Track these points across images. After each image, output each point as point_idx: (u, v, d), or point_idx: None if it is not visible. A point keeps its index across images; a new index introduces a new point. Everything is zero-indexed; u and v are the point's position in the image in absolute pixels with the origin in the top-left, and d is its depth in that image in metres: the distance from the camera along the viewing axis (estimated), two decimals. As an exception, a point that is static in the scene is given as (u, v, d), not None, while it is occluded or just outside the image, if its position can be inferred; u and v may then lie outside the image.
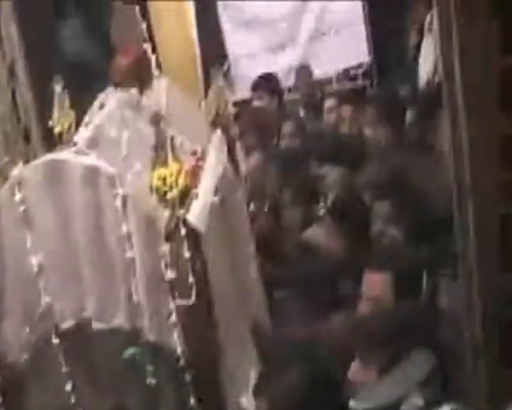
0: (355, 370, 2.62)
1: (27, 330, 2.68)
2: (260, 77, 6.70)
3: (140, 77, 3.33)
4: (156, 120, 2.63)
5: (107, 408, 2.71)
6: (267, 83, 6.61)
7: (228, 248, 3.01)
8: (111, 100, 3.21)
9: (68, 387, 2.69)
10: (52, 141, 3.26)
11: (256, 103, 6.48)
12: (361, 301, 3.21)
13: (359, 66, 7.57)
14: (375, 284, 3.14)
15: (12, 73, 4.65)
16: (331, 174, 4.84)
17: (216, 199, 2.86)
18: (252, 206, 4.61)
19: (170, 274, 2.55)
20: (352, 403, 2.49)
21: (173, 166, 2.57)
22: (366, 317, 3.06)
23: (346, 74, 7.62)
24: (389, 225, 3.88)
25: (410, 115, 5.24)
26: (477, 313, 2.54)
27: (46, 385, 2.74)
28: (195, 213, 2.63)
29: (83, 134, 3.02)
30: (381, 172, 4.67)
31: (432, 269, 3.20)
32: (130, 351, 2.61)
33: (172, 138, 2.65)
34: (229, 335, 2.76)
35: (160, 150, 2.61)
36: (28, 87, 4.56)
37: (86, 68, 6.03)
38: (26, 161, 2.79)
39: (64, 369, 2.67)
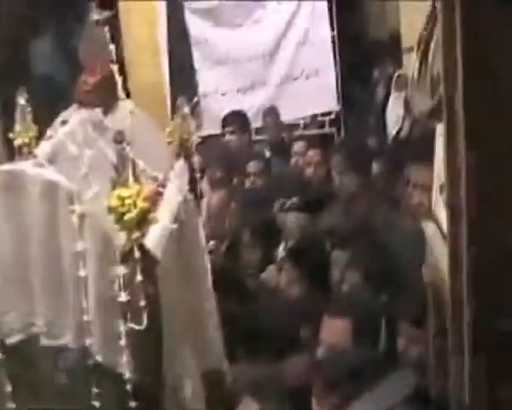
0: (314, 405, 2.62)
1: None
2: (231, 113, 6.74)
3: (105, 97, 3.31)
4: (119, 138, 2.59)
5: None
6: (238, 119, 6.66)
7: (183, 277, 2.98)
8: (74, 117, 3.19)
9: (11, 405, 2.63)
10: (14, 153, 3.24)
11: (226, 138, 6.51)
12: (319, 346, 3.20)
13: (328, 113, 7.65)
14: (334, 330, 3.14)
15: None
16: (292, 217, 4.85)
17: (174, 227, 2.84)
18: (211, 243, 4.61)
19: (122, 297, 2.50)
20: None
21: (133, 188, 2.52)
22: (322, 361, 3.03)
23: (314, 120, 7.69)
24: (348, 272, 3.87)
25: (375, 166, 5.26)
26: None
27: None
28: (152, 238, 2.60)
29: (43, 148, 3.00)
30: (343, 220, 4.69)
31: (392, 316, 3.21)
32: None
33: (134, 159, 2.61)
34: (177, 365, 2.72)
35: (121, 170, 2.57)
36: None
37: (52, 84, 6.02)
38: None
39: (7, 386, 2.62)
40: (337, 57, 7.69)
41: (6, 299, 2.60)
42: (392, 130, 6.76)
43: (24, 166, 2.69)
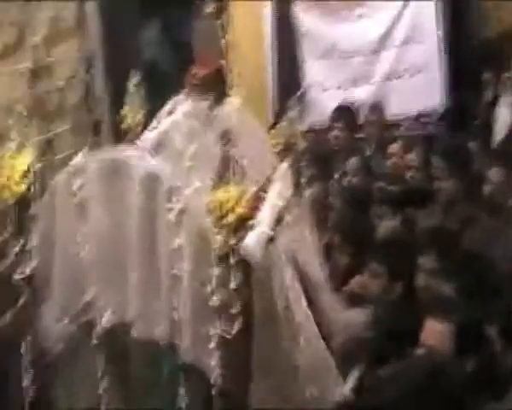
0: None
1: (66, 320, 2.68)
2: (341, 107, 6.67)
3: (213, 91, 3.31)
4: (225, 138, 2.57)
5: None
6: (347, 114, 6.58)
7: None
8: (180, 108, 3.21)
9: (101, 387, 2.68)
10: (120, 136, 3.28)
11: (333, 133, 6.44)
12: (420, 347, 3.09)
13: (432, 113, 7.49)
14: (434, 333, 3.06)
15: (89, 66, 4.73)
16: (385, 223, 4.76)
17: (274, 233, 2.77)
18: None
19: (215, 300, 2.48)
20: None
21: (233, 192, 2.50)
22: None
23: (417, 119, 7.53)
24: (436, 279, 3.75)
25: (479, 172, 5.08)
26: None
27: (77, 377, 2.73)
28: (250, 244, 2.55)
29: (149, 137, 3.01)
30: (439, 225, 4.58)
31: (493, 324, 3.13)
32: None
33: (237, 161, 2.57)
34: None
35: (223, 171, 2.54)
36: (104, 81, 4.64)
37: (159, 72, 6.08)
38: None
39: (98, 368, 2.67)
40: (444, 56, 7.47)
41: (101, 284, 2.63)
42: (499, 135, 6.58)
43: (128, 154, 2.70)
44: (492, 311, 3.22)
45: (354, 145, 6.39)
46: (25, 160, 2.61)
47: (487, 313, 3.21)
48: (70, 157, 2.72)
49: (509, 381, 2.94)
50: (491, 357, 3.03)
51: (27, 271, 2.63)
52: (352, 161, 5.71)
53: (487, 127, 6.65)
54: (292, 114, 3.38)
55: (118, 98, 3.52)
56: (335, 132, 6.35)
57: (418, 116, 7.46)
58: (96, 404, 2.69)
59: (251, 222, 2.60)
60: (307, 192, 5.00)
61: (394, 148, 5.98)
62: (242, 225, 2.50)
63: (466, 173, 4.87)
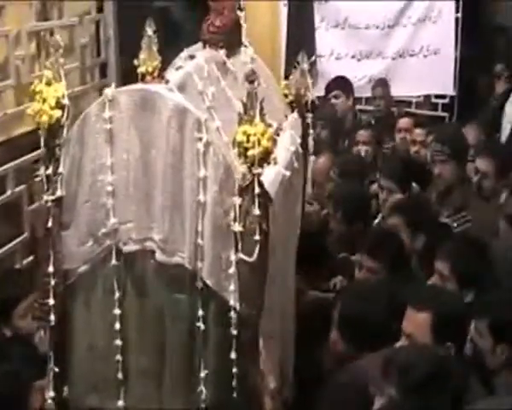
0: None
1: (90, 243, 3.03)
2: (335, 78, 7.39)
3: (229, 40, 3.72)
4: (251, 77, 2.91)
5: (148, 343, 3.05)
6: (341, 83, 7.22)
7: (284, 222, 3.34)
8: (201, 54, 3.59)
9: (116, 311, 3.04)
10: (129, 79, 3.60)
11: (330, 102, 6.98)
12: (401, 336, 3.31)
13: (442, 96, 7.88)
14: (415, 322, 3.27)
15: (100, 7, 5.08)
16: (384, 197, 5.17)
17: (287, 173, 3.20)
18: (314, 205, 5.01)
19: (237, 227, 2.87)
20: None
21: (259, 126, 2.87)
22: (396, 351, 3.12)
23: (426, 101, 7.95)
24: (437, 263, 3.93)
25: (481, 164, 5.15)
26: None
27: (96, 301, 3.09)
28: (269, 178, 2.96)
29: (174, 76, 3.36)
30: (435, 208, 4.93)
31: (481, 316, 3.29)
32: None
33: (262, 100, 2.91)
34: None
35: (249, 108, 2.89)
36: (114, 24, 4.97)
37: (173, 20, 6.38)
38: (99, 95, 3.12)
39: (116, 292, 3.03)
40: (459, 41, 7.83)
41: (128, 209, 2.99)
42: (504, 129, 6.97)
43: (158, 87, 3.06)
44: (485, 303, 3.40)
45: (357, 116, 6.92)
46: (59, 87, 2.97)
47: (480, 305, 3.41)
48: (77, 95, 2.98)
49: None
50: (477, 354, 3.26)
51: (57, 194, 3.00)
52: (362, 133, 6.30)
53: (496, 119, 7.02)
54: (303, 66, 3.79)
55: (126, 42, 3.83)
56: (333, 101, 6.93)
57: (428, 97, 7.90)
58: (112, 328, 3.05)
59: (273, 157, 3.00)
60: (316, 160, 5.48)
61: (404, 122, 6.45)
62: (266, 158, 2.88)
63: (462, 160, 5.21)
